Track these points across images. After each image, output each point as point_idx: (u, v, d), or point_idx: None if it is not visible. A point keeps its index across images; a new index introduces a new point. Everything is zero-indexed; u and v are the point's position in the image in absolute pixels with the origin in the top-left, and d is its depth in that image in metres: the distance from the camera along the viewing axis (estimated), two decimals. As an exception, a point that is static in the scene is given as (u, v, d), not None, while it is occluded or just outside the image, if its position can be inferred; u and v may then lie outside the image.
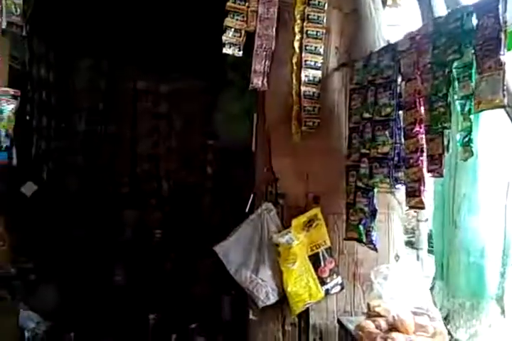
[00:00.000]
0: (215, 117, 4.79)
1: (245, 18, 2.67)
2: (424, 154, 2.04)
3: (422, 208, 2.10)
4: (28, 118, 3.61)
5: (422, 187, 2.02)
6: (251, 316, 2.85)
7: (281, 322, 2.85)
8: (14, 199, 3.51)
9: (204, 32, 4.24)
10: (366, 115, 2.48)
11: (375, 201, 2.48)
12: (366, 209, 2.48)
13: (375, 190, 2.46)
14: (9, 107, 2.63)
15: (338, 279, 2.79)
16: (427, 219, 3.72)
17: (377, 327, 2.24)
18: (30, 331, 3.28)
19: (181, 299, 4.22)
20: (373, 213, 2.48)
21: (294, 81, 2.70)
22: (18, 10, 2.50)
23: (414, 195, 2.09)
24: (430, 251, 3.56)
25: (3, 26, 2.43)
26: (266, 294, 2.72)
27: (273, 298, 2.73)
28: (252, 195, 2.94)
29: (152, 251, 4.74)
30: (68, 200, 4.57)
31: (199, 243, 4.68)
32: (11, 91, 2.65)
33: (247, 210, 2.92)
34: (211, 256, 4.37)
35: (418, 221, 3.98)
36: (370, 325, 2.25)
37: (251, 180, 3.72)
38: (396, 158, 2.34)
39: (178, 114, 5.05)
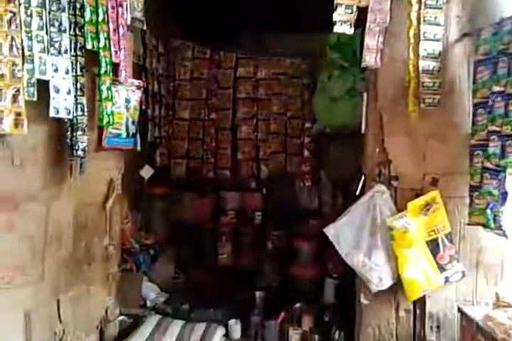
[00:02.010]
0: (313, 99, 4.72)
1: (357, -7, 2.55)
2: None
3: None
4: (143, 107, 3.84)
5: None
6: (362, 300, 2.81)
7: (395, 307, 2.78)
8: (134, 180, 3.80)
9: (301, 11, 4.20)
10: (497, 88, 2.26)
11: (506, 183, 2.28)
12: (495, 192, 2.29)
13: (507, 170, 2.26)
14: (134, 97, 2.83)
15: (459, 266, 2.63)
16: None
17: (510, 318, 2.08)
18: (152, 301, 3.57)
19: (285, 279, 4.30)
20: (504, 196, 2.28)
21: (411, 55, 2.53)
22: (140, 5, 2.65)
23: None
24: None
25: (128, 22, 2.59)
26: (379, 279, 2.65)
27: (387, 283, 2.66)
28: (362, 177, 2.85)
29: (254, 232, 4.86)
30: (177, 183, 4.85)
31: (297, 225, 4.73)
32: (136, 82, 2.84)
33: (357, 193, 2.85)
34: (311, 239, 4.46)
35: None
36: (501, 316, 2.10)
37: (350, 163, 3.63)
38: (533, 136, 2.12)
39: (277, 98, 5.05)
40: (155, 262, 3.96)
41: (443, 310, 2.70)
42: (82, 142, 2.47)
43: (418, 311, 2.74)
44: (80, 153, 2.46)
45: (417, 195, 2.68)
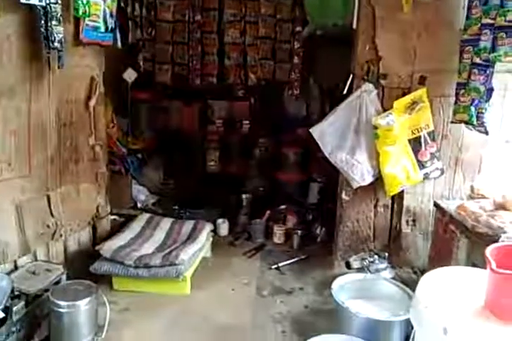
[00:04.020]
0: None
1: None
2: None
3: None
4: (122, 5, 3.57)
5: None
6: (344, 196, 2.94)
7: (374, 203, 2.93)
8: (118, 84, 3.69)
9: None
10: (496, -24, 2.12)
11: (493, 79, 2.27)
12: (482, 88, 2.28)
13: (495, 66, 2.23)
14: (110, -15, 2.62)
15: (439, 164, 2.72)
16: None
17: (481, 208, 2.21)
18: (142, 202, 3.71)
19: (271, 184, 4.45)
20: (489, 93, 2.28)
21: None
22: None
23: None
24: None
25: None
26: (361, 175, 2.74)
27: (368, 179, 2.76)
28: (351, 76, 2.80)
29: (242, 141, 4.89)
30: (161, 89, 4.73)
31: (285, 133, 4.76)
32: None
33: (344, 92, 2.82)
34: (298, 146, 4.53)
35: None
36: (473, 205, 2.22)
37: (339, 71, 3.52)
38: (528, 27, 2.04)
39: (266, -2, 4.71)
40: (144, 167, 4.04)
41: (419, 205, 2.86)
42: (58, 33, 2.34)
43: (396, 206, 2.90)
44: (56, 44, 2.34)
45: (404, 94, 2.67)
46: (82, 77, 2.76)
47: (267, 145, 4.80)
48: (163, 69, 4.77)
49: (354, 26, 2.79)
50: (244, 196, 4.05)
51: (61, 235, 2.72)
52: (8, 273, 2.30)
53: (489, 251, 1.57)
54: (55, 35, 2.33)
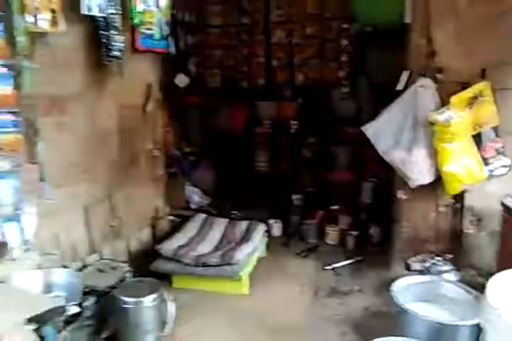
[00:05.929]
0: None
1: None
2: None
3: None
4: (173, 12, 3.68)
5: None
6: (400, 195, 2.86)
7: (435, 203, 2.82)
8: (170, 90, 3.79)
9: None
10: None
11: None
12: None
13: None
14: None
15: (505, 160, 2.58)
16: None
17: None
18: (196, 203, 3.79)
19: (322, 184, 4.41)
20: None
21: None
22: None
23: None
24: None
25: None
26: (419, 173, 2.65)
27: (426, 179, 2.66)
28: (407, 72, 2.72)
29: (290, 141, 4.87)
30: (212, 93, 4.81)
31: (334, 132, 4.69)
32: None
33: (401, 88, 2.75)
34: (348, 145, 4.46)
35: None
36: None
37: (392, 67, 3.44)
38: None
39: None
40: (196, 169, 4.12)
41: (484, 204, 2.71)
42: (117, 42, 2.45)
43: (458, 206, 2.77)
44: (116, 53, 2.45)
45: (464, 88, 2.56)
46: (139, 83, 2.88)
47: (316, 145, 4.76)
48: (213, 74, 4.87)
49: (408, 20, 2.71)
50: (294, 197, 4.04)
51: (124, 235, 2.83)
52: (78, 271, 2.43)
53: None
54: (115, 43, 2.44)
